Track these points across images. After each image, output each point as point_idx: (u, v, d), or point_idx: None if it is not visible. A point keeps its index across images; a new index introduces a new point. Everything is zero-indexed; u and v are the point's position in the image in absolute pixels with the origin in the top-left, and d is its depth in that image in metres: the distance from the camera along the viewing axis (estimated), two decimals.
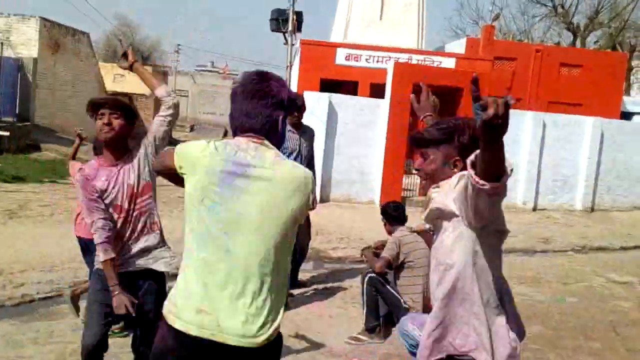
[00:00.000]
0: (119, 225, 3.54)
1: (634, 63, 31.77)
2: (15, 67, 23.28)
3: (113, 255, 3.41)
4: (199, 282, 2.31)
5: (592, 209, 15.73)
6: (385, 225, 6.04)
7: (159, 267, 3.67)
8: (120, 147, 3.59)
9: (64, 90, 26.04)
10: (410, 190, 15.35)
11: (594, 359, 5.48)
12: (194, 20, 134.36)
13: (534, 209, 15.34)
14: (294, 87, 18.83)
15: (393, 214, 5.99)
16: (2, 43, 23.68)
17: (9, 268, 7.15)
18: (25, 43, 24.24)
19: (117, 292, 3.36)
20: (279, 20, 20.04)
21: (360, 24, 21.26)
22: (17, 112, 22.93)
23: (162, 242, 3.70)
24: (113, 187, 3.52)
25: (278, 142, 2.44)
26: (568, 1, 33.33)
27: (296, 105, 6.54)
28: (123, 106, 3.60)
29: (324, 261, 8.82)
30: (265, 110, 2.35)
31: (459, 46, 21.73)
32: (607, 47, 32.56)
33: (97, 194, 3.47)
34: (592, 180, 15.73)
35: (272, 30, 20.94)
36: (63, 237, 8.86)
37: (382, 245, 6.04)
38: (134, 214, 3.58)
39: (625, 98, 23.12)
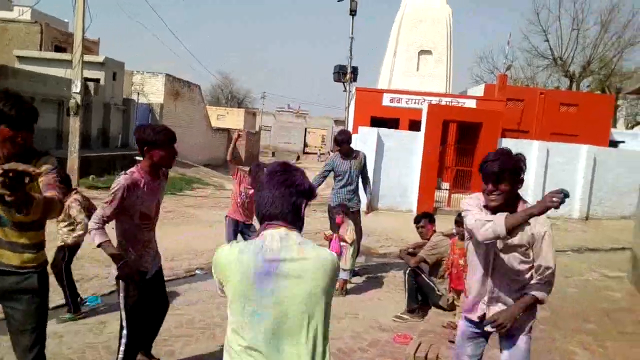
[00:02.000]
0: (143, 230, 3.50)
1: (619, 102, 30.52)
2: (147, 110, 24.32)
3: (108, 238, 3.38)
4: None
5: (587, 218, 15.08)
6: (417, 229, 5.97)
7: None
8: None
9: (183, 126, 26.94)
10: (440, 202, 15.11)
11: (591, 337, 5.22)
12: (275, 73, 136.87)
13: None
14: (350, 123, 18.86)
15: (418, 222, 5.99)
16: (138, 93, 24.74)
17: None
18: (154, 92, 25.28)
19: (123, 263, 3.39)
20: (339, 73, 20.17)
21: (402, 74, 21.17)
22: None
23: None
24: (148, 196, 3.47)
25: (301, 226, 2.01)
26: (566, 54, 32.30)
27: (345, 140, 6.64)
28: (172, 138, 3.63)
29: (373, 256, 8.74)
30: (290, 198, 1.94)
31: (478, 90, 21.35)
32: (597, 90, 31.38)
33: (124, 200, 3.35)
34: (587, 195, 15.12)
35: (335, 81, 21.08)
36: (179, 235, 9.14)
37: (417, 246, 5.96)
38: (154, 224, 3.65)
39: (612, 130, 22.15)
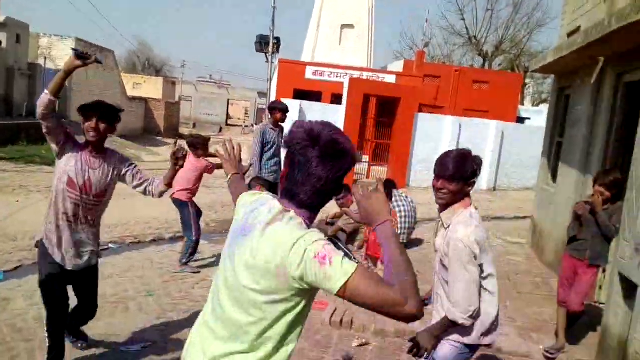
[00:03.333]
0: (68, 202, 3.14)
1: (527, 81, 32.44)
2: (55, 75, 22.74)
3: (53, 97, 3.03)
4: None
5: (494, 189, 16.06)
6: (337, 202, 6.09)
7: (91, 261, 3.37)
8: (99, 146, 3.23)
9: (94, 94, 25.45)
10: (360, 174, 15.46)
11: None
12: (196, 42, 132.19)
13: None
14: (273, 95, 18.70)
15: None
16: (45, 57, 23.00)
17: None
18: (63, 57, 23.59)
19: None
20: (262, 44, 19.83)
21: (324, 48, 21.18)
22: (57, 111, 22.43)
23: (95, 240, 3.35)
24: (78, 165, 3.14)
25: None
26: (480, 33, 33.70)
27: (285, 109, 6.64)
28: (110, 112, 3.19)
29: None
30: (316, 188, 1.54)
31: (398, 66, 21.82)
32: (508, 69, 33.10)
33: (66, 133, 3.14)
34: (494, 167, 16.06)
35: (257, 51, 20.71)
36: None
37: (335, 216, 6.10)
38: (83, 202, 3.18)
39: (520, 107, 23.53)
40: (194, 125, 47.03)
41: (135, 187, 3.42)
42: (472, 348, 2.56)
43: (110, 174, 3.28)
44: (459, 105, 20.43)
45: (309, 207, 1.58)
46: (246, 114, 57.14)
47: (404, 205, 7.22)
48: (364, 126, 15.81)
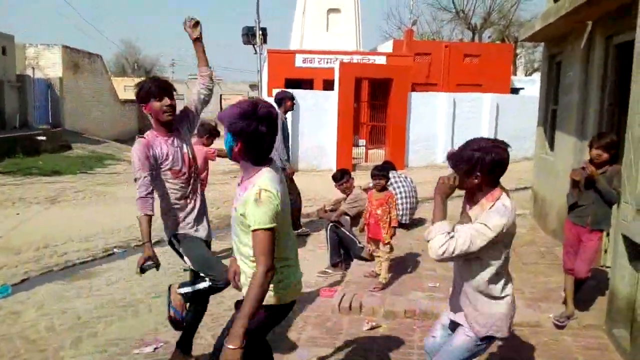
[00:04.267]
0: (179, 188, 3.25)
1: (518, 51, 32.29)
2: (45, 86, 22.62)
3: (152, 213, 3.09)
4: None
5: None
6: (340, 186, 6.05)
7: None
8: (172, 124, 3.27)
9: (85, 100, 25.37)
10: (358, 158, 15.45)
11: None
12: (184, 40, 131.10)
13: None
14: (264, 87, 18.62)
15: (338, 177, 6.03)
16: (33, 68, 22.87)
17: (53, 242, 7.03)
18: (51, 66, 23.47)
19: (148, 246, 3.10)
20: (248, 35, 19.68)
21: (312, 35, 21.05)
22: (50, 120, 22.35)
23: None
24: (170, 154, 3.20)
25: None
26: (467, 7, 33.49)
27: (293, 97, 7.00)
28: (170, 88, 3.27)
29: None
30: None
31: (387, 47, 21.70)
32: (498, 40, 32.93)
33: (152, 158, 3.14)
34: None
35: (244, 43, 20.56)
36: (94, 215, 8.76)
37: (337, 202, 6.10)
38: (193, 177, 3.32)
39: (513, 77, 23.44)
40: None
41: (201, 103, 3.46)
42: (488, 340, 2.54)
43: (188, 140, 3.37)
44: (451, 81, 20.36)
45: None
46: None
47: (404, 187, 7.23)
48: (359, 110, 15.78)
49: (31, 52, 23.59)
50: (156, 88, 3.15)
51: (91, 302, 4.87)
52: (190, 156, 3.33)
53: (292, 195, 7.30)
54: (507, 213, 2.37)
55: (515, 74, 29.94)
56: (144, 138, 3.19)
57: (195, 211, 3.36)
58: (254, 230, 2.20)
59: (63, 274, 5.88)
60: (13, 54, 21.60)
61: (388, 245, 5.03)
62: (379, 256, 5.09)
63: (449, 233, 2.38)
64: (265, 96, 18.33)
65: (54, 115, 22.60)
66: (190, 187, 3.32)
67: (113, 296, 5.08)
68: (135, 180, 3.10)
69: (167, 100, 3.15)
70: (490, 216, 2.36)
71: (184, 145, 3.31)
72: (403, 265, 5.68)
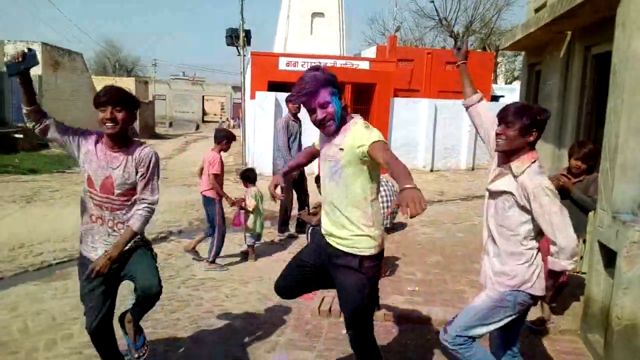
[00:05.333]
0: (91, 203, 2.87)
1: (498, 59, 32.77)
2: None
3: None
4: None
5: (473, 168, 16.24)
6: (318, 189, 6.04)
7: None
8: (121, 137, 2.83)
9: (65, 99, 24.98)
10: None
11: (478, 277, 5.67)
12: (166, 39, 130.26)
13: (432, 170, 15.74)
14: (247, 89, 18.56)
15: None
16: None
17: (29, 241, 6.88)
18: None
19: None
20: (232, 37, 19.56)
21: (296, 38, 21.08)
22: (46, 115, 22.00)
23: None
24: (97, 164, 2.81)
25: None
26: (450, 15, 33.87)
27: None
28: (125, 98, 2.79)
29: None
30: None
31: (371, 52, 21.81)
32: (479, 48, 33.38)
33: (78, 135, 2.84)
34: (472, 146, 16.22)
35: (228, 45, 20.45)
36: (70, 214, 8.58)
37: (318, 205, 6.09)
38: (111, 204, 2.86)
39: (493, 85, 23.76)
40: (170, 124, 46.46)
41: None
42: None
43: (127, 169, 2.86)
44: (433, 88, 20.51)
45: None
46: (222, 109, 56.66)
47: (384, 190, 7.26)
48: None
49: (10, 49, 23.16)
50: (103, 97, 2.75)
51: (67, 303, 4.78)
52: (114, 185, 2.84)
53: (303, 195, 7.36)
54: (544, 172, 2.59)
55: (496, 82, 30.39)
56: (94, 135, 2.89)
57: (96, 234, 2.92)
58: (375, 142, 2.45)
59: (38, 274, 5.75)
60: None
61: None
62: None
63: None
64: (248, 99, 18.27)
65: None
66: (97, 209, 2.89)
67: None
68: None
69: (107, 113, 2.72)
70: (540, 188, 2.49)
71: (115, 171, 2.84)
72: (382, 269, 5.69)
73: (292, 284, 3.04)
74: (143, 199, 2.91)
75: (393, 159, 2.34)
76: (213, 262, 5.95)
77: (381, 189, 7.22)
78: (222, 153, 5.97)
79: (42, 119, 2.78)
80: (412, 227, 8.10)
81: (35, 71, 22.87)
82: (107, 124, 2.72)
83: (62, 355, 3.80)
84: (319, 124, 2.60)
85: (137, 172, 2.86)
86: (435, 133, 15.87)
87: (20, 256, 6.28)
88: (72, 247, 6.77)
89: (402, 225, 8.07)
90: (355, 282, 2.64)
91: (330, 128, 2.59)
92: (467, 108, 3.09)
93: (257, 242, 6.46)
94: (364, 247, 2.63)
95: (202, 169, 6.06)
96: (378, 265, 2.69)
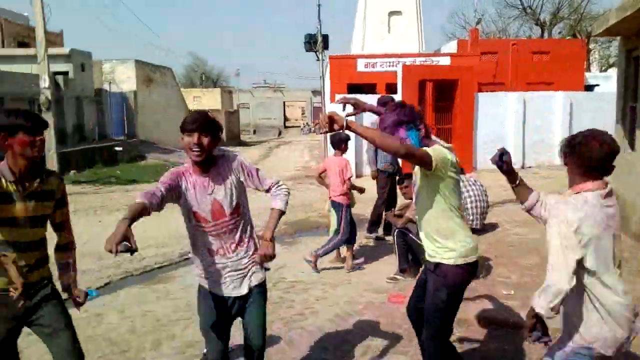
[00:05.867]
0: (208, 237, 2.78)
1: (591, 46, 30.72)
2: (121, 99, 23.92)
3: (146, 202, 2.45)
4: None
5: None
6: (401, 189, 6.06)
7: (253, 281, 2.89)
8: (208, 160, 2.73)
9: (158, 112, 26.58)
10: None
11: None
12: (247, 49, 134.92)
13: (522, 167, 15.06)
14: (327, 93, 18.75)
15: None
16: (109, 82, 24.25)
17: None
18: (126, 80, 24.81)
19: (122, 224, 2.34)
20: (310, 43, 19.92)
21: (374, 38, 21.00)
22: (125, 132, 23.59)
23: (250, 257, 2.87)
24: (197, 196, 2.72)
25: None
26: (535, 2, 32.26)
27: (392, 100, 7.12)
28: (210, 123, 2.70)
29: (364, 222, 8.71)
30: None
31: (451, 47, 21.27)
32: (568, 36, 31.52)
33: (169, 186, 2.65)
34: None
35: (306, 51, 20.83)
36: (168, 221, 9.07)
37: (404, 207, 6.04)
38: (225, 228, 2.77)
39: (586, 74, 22.31)
40: (254, 132, 48.03)
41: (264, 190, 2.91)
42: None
43: (231, 185, 2.77)
44: (520, 80, 19.63)
45: None
46: (303, 114, 57.66)
47: (473, 190, 7.05)
48: (423, 113, 15.47)
49: (107, 68, 25.07)
50: (192, 124, 2.65)
51: (169, 305, 5.09)
52: (223, 207, 2.75)
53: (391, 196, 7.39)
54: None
55: (589, 71, 28.52)
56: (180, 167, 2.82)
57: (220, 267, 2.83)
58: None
59: (142, 278, 6.17)
60: (90, 70, 23.03)
61: None
62: None
63: None
64: (327, 102, 18.45)
65: (129, 126, 23.89)
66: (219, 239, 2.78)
67: (189, 300, 5.26)
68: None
69: (195, 138, 2.64)
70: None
71: (219, 194, 2.75)
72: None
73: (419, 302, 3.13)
74: (270, 185, 2.87)
75: (395, 141, 2.72)
76: (318, 257, 5.97)
77: (468, 188, 7.02)
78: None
79: (157, 208, 2.58)
80: (504, 228, 7.80)
81: (130, 87, 24.58)
82: (194, 150, 2.65)
83: (167, 355, 4.05)
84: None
85: (239, 180, 2.80)
86: (525, 128, 15.17)
87: (125, 261, 6.75)
88: (172, 252, 7.20)
89: (493, 226, 7.79)
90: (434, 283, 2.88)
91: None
92: (528, 211, 2.72)
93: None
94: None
95: (320, 174, 6.15)
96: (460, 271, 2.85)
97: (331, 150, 6.55)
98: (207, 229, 2.75)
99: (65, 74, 20.94)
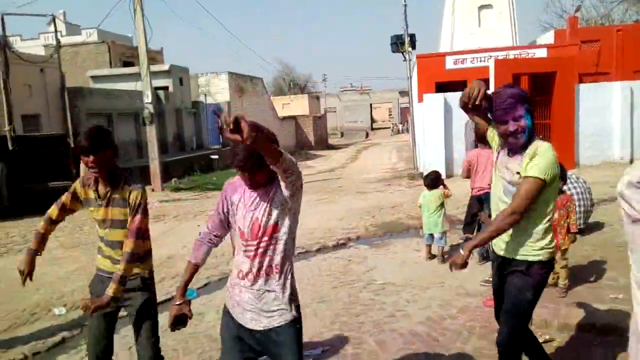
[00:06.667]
0: (241, 256, 2.44)
1: None
2: (216, 109, 25.25)
3: (199, 262, 2.56)
4: None
5: None
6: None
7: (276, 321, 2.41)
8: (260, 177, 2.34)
9: (251, 119, 27.69)
10: None
11: None
12: (334, 54, 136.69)
13: (631, 162, 13.90)
14: (414, 93, 18.50)
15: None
16: (205, 94, 25.63)
17: (229, 250, 7.70)
18: (220, 92, 26.10)
19: (178, 302, 2.53)
20: (397, 44, 19.71)
21: (463, 34, 20.43)
22: (221, 140, 24.82)
23: (282, 291, 2.41)
24: (242, 209, 2.42)
25: None
26: None
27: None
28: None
29: (455, 224, 8.47)
30: None
31: (548, 38, 20.17)
32: None
33: (227, 209, 2.48)
34: None
35: (393, 52, 20.65)
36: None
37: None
38: (258, 249, 2.38)
39: None
40: (342, 135, 48.44)
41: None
42: None
43: (271, 203, 2.37)
44: (627, 68, 18.16)
45: None
46: (390, 115, 57.25)
47: (575, 188, 6.64)
48: None
49: (202, 81, 26.52)
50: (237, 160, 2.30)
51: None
52: (263, 224, 2.38)
53: None
54: None
55: None
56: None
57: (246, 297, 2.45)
58: (527, 177, 2.59)
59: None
60: (188, 83, 24.48)
61: (566, 252, 4.72)
62: (556, 262, 4.74)
63: None
64: (415, 102, 18.19)
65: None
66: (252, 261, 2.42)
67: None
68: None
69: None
70: None
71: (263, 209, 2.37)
72: (579, 274, 5.19)
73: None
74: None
75: (506, 214, 2.64)
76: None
77: (571, 186, 6.63)
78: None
79: (219, 238, 2.60)
80: (612, 228, 7.24)
81: (224, 98, 25.82)
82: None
83: None
84: (510, 134, 2.69)
85: (282, 195, 2.36)
86: (633, 119, 14.00)
87: (222, 263, 7.09)
88: None
89: (599, 226, 7.27)
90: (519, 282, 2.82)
91: (520, 140, 2.69)
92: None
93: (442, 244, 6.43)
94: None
95: (468, 169, 5.97)
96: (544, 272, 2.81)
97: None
98: (245, 248, 2.42)
99: (166, 88, 22.41)
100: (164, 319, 2.92)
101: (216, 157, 21.06)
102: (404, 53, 18.84)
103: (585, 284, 4.99)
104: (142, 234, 2.96)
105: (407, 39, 18.51)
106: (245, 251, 2.41)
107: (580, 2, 30.03)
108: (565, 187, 6.41)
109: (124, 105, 19.43)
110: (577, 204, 6.63)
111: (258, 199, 2.39)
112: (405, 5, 18.71)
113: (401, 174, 16.70)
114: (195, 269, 2.61)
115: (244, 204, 2.42)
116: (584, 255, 5.84)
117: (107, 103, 18.71)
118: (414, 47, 19.25)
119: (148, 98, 15.09)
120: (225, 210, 2.50)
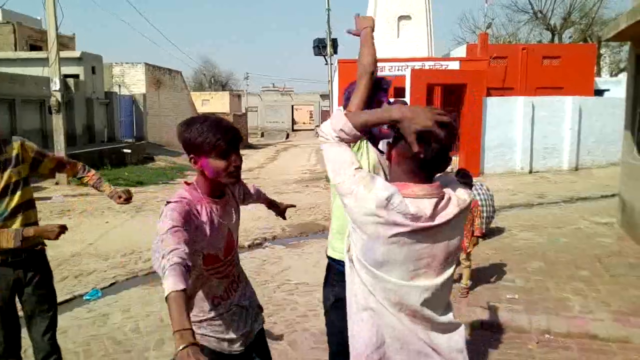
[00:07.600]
0: (214, 281, 2.10)
1: (602, 51, 30.53)
2: (130, 101, 24.15)
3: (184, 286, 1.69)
4: None
5: (577, 168, 15.26)
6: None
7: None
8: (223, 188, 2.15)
9: (166, 115, 26.79)
10: None
11: (584, 284, 5.34)
12: (256, 53, 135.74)
13: (530, 172, 15.00)
14: (335, 97, 18.78)
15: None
16: (119, 85, 24.49)
17: (139, 248, 7.43)
18: (136, 83, 25.05)
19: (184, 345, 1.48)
20: (319, 47, 19.96)
21: (383, 43, 21.01)
22: (134, 134, 23.81)
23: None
24: (212, 231, 2.04)
25: None
26: (545, 7, 32.14)
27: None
28: (239, 136, 2.12)
29: None
30: None
31: (461, 51, 21.24)
32: (579, 41, 31.35)
33: (188, 235, 1.92)
34: (575, 145, 15.28)
35: (315, 55, 20.88)
36: None
37: None
38: (232, 262, 2.18)
39: (597, 79, 22.16)
40: (262, 134, 48.17)
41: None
42: None
43: (237, 210, 2.25)
44: (530, 85, 19.54)
45: None
46: (311, 117, 57.74)
47: (478, 195, 7.04)
48: None
49: (117, 71, 25.32)
50: (227, 143, 2.00)
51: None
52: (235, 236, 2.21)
53: None
54: None
55: (600, 75, 28.32)
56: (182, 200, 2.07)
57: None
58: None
59: (147, 279, 6.20)
60: (101, 73, 23.24)
61: (470, 255, 5.00)
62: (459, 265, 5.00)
63: None
64: (335, 105, 18.49)
65: (137, 129, 24.08)
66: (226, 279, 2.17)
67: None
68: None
69: (236, 160, 2.03)
70: None
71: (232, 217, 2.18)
72: (479, 276, 5.52)
73: None
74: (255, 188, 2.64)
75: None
76: None
77: (476, 192, 7.02)
78: None
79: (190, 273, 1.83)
80: (510, 233, 7.77)
81: (140, 90, 24.83)
82: (233, 174, 2.04)
83: (170, 354, 4.07)
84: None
85: (239, 197, 2.32)
86: (534, 132, 15.13)
87: (131, 262, 6.81)
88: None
89: (499, 231, 7.76)
90: None
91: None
92: None
93: None
94: None
95: None
96: None
97: None
98: (220, 269, 2.12)
99: (77, 76, 21.14)
100: (62, 321, 2.75)
101: (129, 151, 20.18)
102: (326, 57, 19.10)
103: (485, 284, 5.30)
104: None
105: (329, 43, 18.77)
106: (216, 273, 2.09)
107: (492, 20, 32.00)
108: (473, 193, 6.81)
109: (29, 91, 18.09)
110: (481, 210, 7.04)
111: (228, 208, 2.15)
112: (329, 10, 18.98)
113: (319, 175, 16.91)
114: (186, 297, 1.73)
115: (211, 221, 2.05)
116: (484, 258, 6.21)
117: (10, 88, 17.33)
118: (335, 51, 19.58)
119: (56, 85, 14.16)
120: (189, 238, 1.91)
